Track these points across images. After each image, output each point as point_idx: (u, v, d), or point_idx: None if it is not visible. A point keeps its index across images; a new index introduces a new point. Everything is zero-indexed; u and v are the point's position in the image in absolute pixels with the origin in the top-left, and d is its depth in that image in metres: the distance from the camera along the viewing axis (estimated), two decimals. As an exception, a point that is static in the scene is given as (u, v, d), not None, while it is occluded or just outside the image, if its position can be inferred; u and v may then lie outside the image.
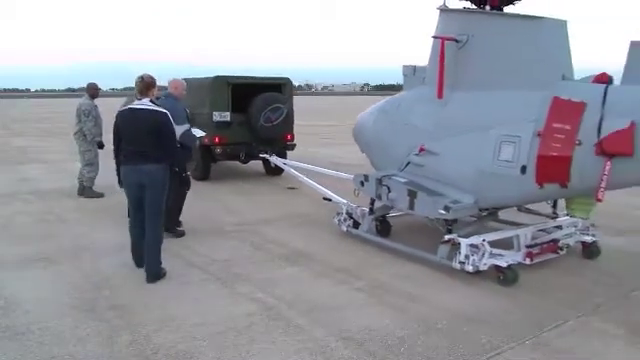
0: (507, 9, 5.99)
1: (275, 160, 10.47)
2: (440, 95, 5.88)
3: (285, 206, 8.90)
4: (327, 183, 8.45)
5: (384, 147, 6.75)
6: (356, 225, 6.90)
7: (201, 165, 10.90)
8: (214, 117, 10.71)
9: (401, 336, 4.22)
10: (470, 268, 5.28)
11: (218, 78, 10.95)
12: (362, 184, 6.57)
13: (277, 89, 11.51)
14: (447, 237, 5.53)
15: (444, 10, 6.11)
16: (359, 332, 4.28)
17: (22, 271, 5.70)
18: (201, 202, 8.02)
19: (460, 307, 4.77)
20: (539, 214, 6.58)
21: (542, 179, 5.12)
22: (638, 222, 7.91)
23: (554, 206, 6.47)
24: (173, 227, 6.97)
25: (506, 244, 5.72)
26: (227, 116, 10.86)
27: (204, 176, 11.05)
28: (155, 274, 5.39)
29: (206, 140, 9.75)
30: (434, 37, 6.05)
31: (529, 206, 6.62)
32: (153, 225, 5.43)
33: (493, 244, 5.51)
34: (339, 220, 7.10)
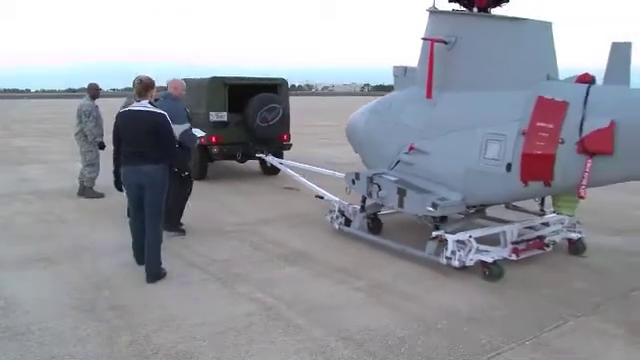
0: (494, 11, 6.11)
1: (271, 160, 10.60)
2: (429, 95, 6.02)
3: (283, 206, 8.98)
4: (323, 183, 8.52)
5: (375, 146, 6.89)
6: (348, 223, 7.05)
7: (198, 164, 11.02)
8: (211, 117, 10.83)
9: (401, 336, 4.24)
10: (456, 263, 5.42)
11: (215, 79, 11.09)
12: (353, 182, 6.71)
13: (273, 89, 11.64)
14: (435, 234, 5.67)
15: (433, 12, 6.25)
16: (359, 332, 4.30)
17: (22, 271, 5.73)
18: (200, 202, 8.15)
19: (460, 307, 4.80)
20: (527, 211, 6.71)
21: (526, 177, 5.26)
22: (636, 221, 7.97)
23: (541, 204, 6.60)
24: (175, 226, 7.09)
25: (493, 241, 5.86)
26: (224, 116, 11.00)
27: (201, 176, 11.17)
28: (155, 274, 5.46)
29: (203, 140, 9.88)
30: (423, 39, 6.19)
31: (517, 204, 6.76)
32: (153, 225, 5.53)
33: (480, 240, 5.66)
34: (331, 218, 7.24)
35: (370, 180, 6.40)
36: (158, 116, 5.46)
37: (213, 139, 10.74)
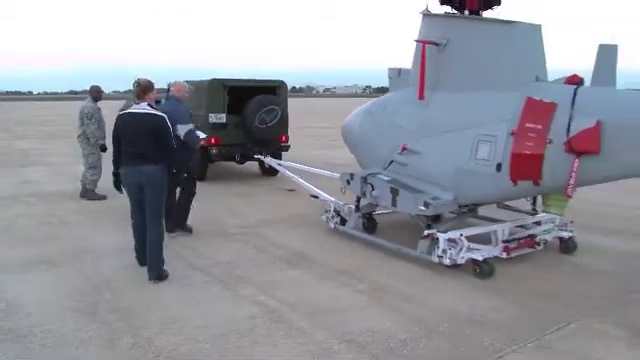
0: (485, 14, 6.22)
1: (269, 161, 10.71)
2: (421, 96, 6.13)
3: (284, 207, 9.01)
4: (321, 183, 8.56)
5: (370, 147, 7.01)
6: (343, 222, 7.16)
7: (198, 165, 11.11)
8: (210, 119, 10.96)
9: (403, 339, 4.24)
10: (447, 261, 5.53)
11: (214, 81, 11.22)
12: (348, 182, 6.84)
13: (272, 91, 11.76)
14: (426, 232, 5.78)
15: (426, 15, 6.36)
16: (361, 335, 4.30)
17: (24, 273, 5.74)
18: (201, 203, 8.13)
19: (461, 309, 4.81)
20: (519, 211, 6.81)
21: (516, 176, 5.37)
22: (636, 223, 8.00)
23: (533, 203, 6.70)
24: (183, 225, 7.26)
25: (485, 239, 5.97)
26: (223, 118, 11.13)
27: (201, 177, 11.28)
28: (157, 273, 5.53)
29: (204, 142, 9.99)
30: (416, 41, 6.30)
31: (510, 203, 6.86)
32: (154, 225, 5.63)
33: (472, 239, 5.76)
34: (327, 217, 7.36)
35: (364, 180, 6.51)
36: (158, 118, 5.58)
37: (212, 140, 10.85)
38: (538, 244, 6.15)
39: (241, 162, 11.99)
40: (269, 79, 12.32)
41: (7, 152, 17.73)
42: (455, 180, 5.78)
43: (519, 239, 6.06)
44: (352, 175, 6.76)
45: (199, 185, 10.38)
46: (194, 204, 7.41)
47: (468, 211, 6.43)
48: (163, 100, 7.83)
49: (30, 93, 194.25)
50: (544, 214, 6.46)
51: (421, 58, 6.11)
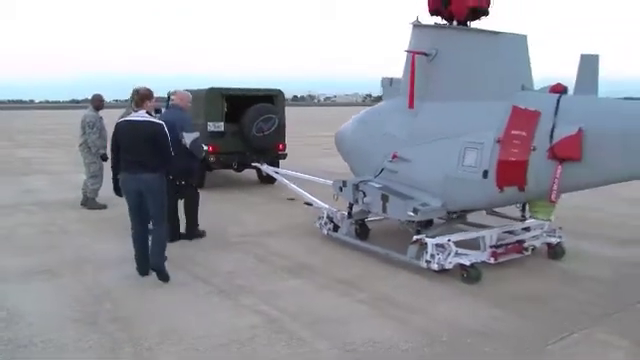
0: (473, 24, 6.37)
1: (266, 169, 10.85)
2: (411, 105, 6.29)
3: (285, 216, 9.01)
4: (318, 191, 8.62)
5: (362, 155, 7.16)
6: (336, 229, 7.29)
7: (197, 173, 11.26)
8: (208, 127, 11.12)
9: (405, 349, 4.24)
10: (435, 266, 5.66)
11: (212, 90, 11.39)
12: (341, 190, 6.98)
13: (269, 100, 11.93)
14: (415, 238, 5.91)
15: (416, 26, 6.52)
16: (363, 345, 4.30)
17: (25, 283, 5.74)
18: (200, 211, 7.97)
19: (462, 318, 4.80)
20: (508, 217, 6.93)
21: (502, 183, 5.51)
22: (622, 229, 8.08)
23: (523, 210, 6.82)
24: (195, 230, 7.51)
25: (473, 245, 6.08)
26: (221, 126, 11.30)
27: (199, 184, 11.41)
28: (160, 270, 5.71)
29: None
30: (406, 51, 6.45)
31: (500, 210, 6.99)
32: (157, 226, 5.81)
33: (460, 244, 5.89)
34: (320, 224, 7.50)
35: (356, 187, 6.65)
36: (156, 125, 5.72)
37: (210, 148, 11.00)
38: (526, 250, 6.28)
39: (239, 170, 12.15)
40: (266, 88, 12.48)
41: (9, 161, 17.83)
42: (443, 187, 5.91)
43: (507, 245, 6.19)
44: (344, 182, 6.90)
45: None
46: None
47: (457, 217, 6.55)
48: (163, 109, 8.02)
49: (32, 102, 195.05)
50: (533, 220, 6.59)
51: (411, 68, 6.27)
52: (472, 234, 6.17)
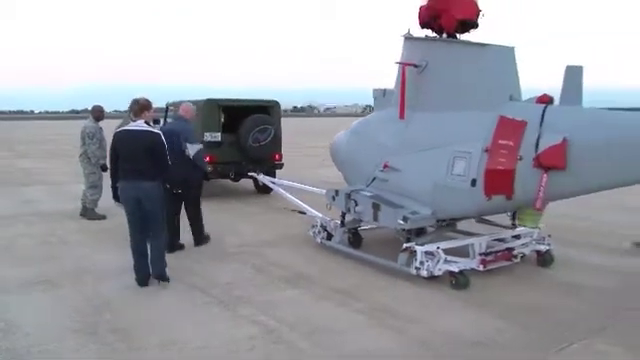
0: (463, 37, 6.51)
1: (262, 178, 10.99)
2: (402, 116, 6.43)
3: (281, 226, 9.04)
4: (314, 200, 8.66)
5: (355, 164, 7.30)
6: (330, 237, 7.40)
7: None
8: (205, 137, 11.23)
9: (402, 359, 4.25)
10: (424, 273, 5.77)
11: (209, 101, 11.55)
12: (334, 199, 7.09)
13: (265, 111, 12.09)
14: (405, 245, 6.02)
15: (407, 38, 6.67)
16: (361, 355, 4.31)
17: (24, 293, 5.74)
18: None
19: (460, 329, 4.80)
20: (498, 225, 7.03)
21: (490, 191, 5.63)
22: (610, 238, 8.10)
23: (513, 218, 6.93)
24: (202, 237, 7.70)
25: (463, 252, 6.18)
26: (218, 136, 11.44)
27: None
28: (161, 276, 5.90)
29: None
30: (397, 63, 6.60)
31: (490, 218, 7.10)
32: (156, 233, 5.94)
33: (450, 252, 5.99)
34: (314, 232, 7.62)
35: (348, 196, 6.77)
36: (154, 135, 5.86)
37: (208, 158, 11.12)
38: (515, 257, 6.38)
39: (236, 179, 12.28)
40: (263, 99, 12.66)
41: (9, 171, 17.88)
42: (433, 195, 6.03)
43: (496, 252, 6.30)
44: (337, 192, 7.02)
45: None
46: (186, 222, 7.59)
47: (447, 225, 6.66)
48: (162, 120, 8.17)
49: (32, 112, 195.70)
50: (523, 228, 6.70)
51: (402, 79, 6.42)
52: (461, 242, 6.28)
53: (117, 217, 6.65)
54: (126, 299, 5.61)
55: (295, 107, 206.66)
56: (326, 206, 7.43)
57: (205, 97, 11.66)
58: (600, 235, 8.36)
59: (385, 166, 6.54)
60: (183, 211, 7.68)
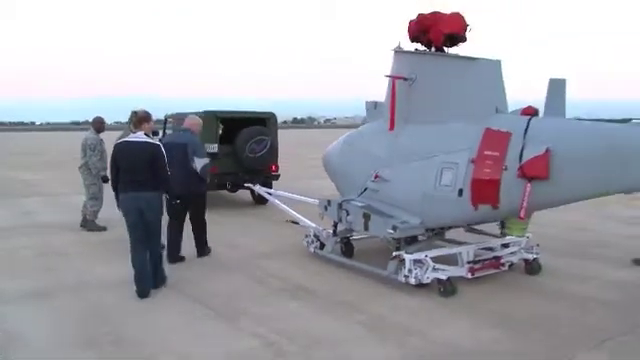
0: (451, 50, 6.68)
1: (258, 189, 11.13)
2: (391, 128, 6.59)
3: (280, 237, 9.08)
4: (310, 210, 8.58)
5: (347, 175, 7.46)
6: (323, 246, 7.54)
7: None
8: None
9: None
10: (413, 281, 5.90)
11: (207, 112, 11.72)
12: (326, 209, 7.23)
13: (262, 123, 12.28)
14: (395, 254, 6.16)
15: (397, 51, 6.84)
16: None
17: (23, 305, 5.77)
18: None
19: (462, 340, 4.81)
20: (488, 234, 7.16)
21: (476, 201, 5.77)
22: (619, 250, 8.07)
23: (502, 227, 7.06)
24: (205, 248, 7.81)
25: (451, 260, 6.32)
26: (215, 147, 11.59)
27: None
28: (162, 279, 6.16)
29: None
30: (387, 76, 6.76)
31: (480, 227, 7.23)
32: (154, 242, 6.13)
33: (438, 260, 6.13)
34: (307, 242, 7.76)
35: (340, 206, 6.91)
36: (154, 147, 6.02)
37: None
38: (503, 265, 6.53)
39: (233, 190, 12.44)
40: (259, 111, 12.88)
41: (9, 183, 17.92)
42: (422, 205, 6.17)
43: (484, 260, 6.44)
44: (329, 202, 7.17)
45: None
46: (186, 233, 7.65)
47: (435, 234, 6.79)
48: (160, 132, 8.28)
49: (33, 124, 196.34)
50: (511, 237, 6.83)
51: (392, 92, 6.58)
52: (449, 250, 6.42)
53: (117, 228, 6.69)
54: (126, 311, 5.62)
55: (295, 118, 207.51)
56: (319, 216, 7.56)
57: (203, 109, 11.85)
58: (593, 244, 8.46)
59: (376, 177, 6.68)
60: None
